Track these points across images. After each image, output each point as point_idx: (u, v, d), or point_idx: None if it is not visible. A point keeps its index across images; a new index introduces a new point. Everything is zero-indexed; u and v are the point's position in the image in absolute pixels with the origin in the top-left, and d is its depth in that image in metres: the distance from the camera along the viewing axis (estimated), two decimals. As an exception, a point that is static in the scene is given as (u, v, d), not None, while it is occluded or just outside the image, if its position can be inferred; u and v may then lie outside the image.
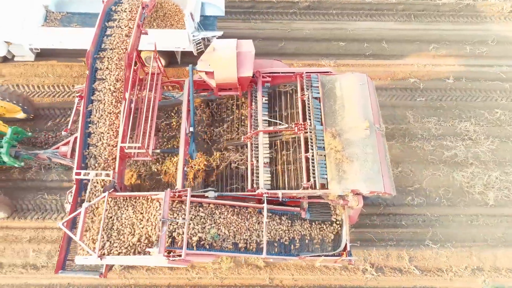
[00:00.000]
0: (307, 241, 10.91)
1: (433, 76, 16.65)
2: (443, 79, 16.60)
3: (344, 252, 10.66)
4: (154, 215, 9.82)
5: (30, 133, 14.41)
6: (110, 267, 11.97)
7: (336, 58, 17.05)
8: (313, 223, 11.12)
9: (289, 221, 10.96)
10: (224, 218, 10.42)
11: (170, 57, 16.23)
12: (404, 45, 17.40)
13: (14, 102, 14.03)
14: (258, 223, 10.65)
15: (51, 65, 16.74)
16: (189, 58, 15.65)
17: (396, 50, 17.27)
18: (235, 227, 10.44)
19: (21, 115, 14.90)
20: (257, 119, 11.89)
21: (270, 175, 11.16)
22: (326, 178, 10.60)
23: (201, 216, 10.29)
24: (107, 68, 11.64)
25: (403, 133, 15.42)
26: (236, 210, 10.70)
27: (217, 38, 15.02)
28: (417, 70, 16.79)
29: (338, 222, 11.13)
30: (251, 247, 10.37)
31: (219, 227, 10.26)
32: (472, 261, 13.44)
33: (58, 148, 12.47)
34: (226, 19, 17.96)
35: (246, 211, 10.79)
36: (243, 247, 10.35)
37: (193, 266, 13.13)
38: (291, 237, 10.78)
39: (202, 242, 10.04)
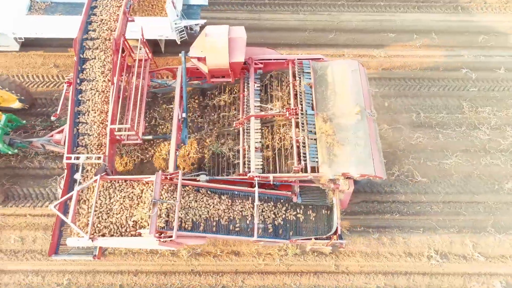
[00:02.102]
0: (299, 224, 11.08)
1: (484, 67, 16.73)
2: (494, 69, 16.68)
3: (335, 235, 10.79)
4: (146, 198, 10.02)
5: (24, 121, 14.43)
6: (104, 250, 12.45)
7: (387, 49, 17.16)
8: (305, 207, 11.29)
9: (281, 205, 11.12)
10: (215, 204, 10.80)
11: (153, 46, 16.09)
12: (454, 36, 17.48)
13: (12, 91, 14.04)
14: (250, 207, 10.87)
15: (36, 55, 16.79)
16: (173, 47, 15.73)
17: (446, 41, 17.35)
18: (227, 211, 10.76)
19: (16, 104, 14.82)
20: (249, 105, 12.05)
21: (261, 160, 11.31)
22: (317, 162, 10.76)
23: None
24: (95, 54, 11.81)
25: (459, 122, 15.52)
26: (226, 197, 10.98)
27: (200, 26, 15.26)
28: (468, 60, 16.86)
29: (330, 206, 11.29)
30: (243, 229, 10.67)
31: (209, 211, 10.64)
32: (535, 248, 13.55)
33: (52, 136, 12.60)
34: (275, 11, 18.14)
35: (238, 196, 11.03)
36: (234, 230, 10.63)
37: (259, 253, 13.24)
38: (283, 221, 10.94)
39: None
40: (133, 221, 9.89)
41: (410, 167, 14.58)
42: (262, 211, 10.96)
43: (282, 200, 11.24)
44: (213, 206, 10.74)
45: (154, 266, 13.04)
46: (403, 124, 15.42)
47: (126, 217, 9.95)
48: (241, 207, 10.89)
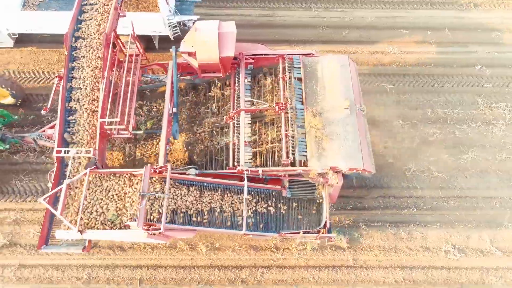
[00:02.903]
0: (288, 218, 11.12)
1: (498, 63, 16.79)
2: (508, 66, 16.74)
3: (324, 229, 10.83)
4: (135, 191, 10.10)
5: (16, 117, 14.47)
6: (95, 243, 12.61)
7: (400, 46, 17.21)
8: (295, 201, 11.33)
9: (251, 197, 11.09)
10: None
11: (147, 42, 16.15)
12: (467, 33, 17.55)
13: (3, 86, 14.07)
14: (239, 202, 10.89)
15: (30, 52, 16.83)
16: (167, 44, 15.60)
17: (459, 38, 17.42)
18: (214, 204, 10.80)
19: (8, 100, 14.83)
20: (239, 100, 12.10)
21: (251, 154, 11.35)
22: (306, 155, 10.80)
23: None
24: (85, 49, 11.89)
25: (474, 118, 15.58)
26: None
27: (193, 22, 15.12)
28: (481, 57, 16.93)
29: (319, 200, 11.31)
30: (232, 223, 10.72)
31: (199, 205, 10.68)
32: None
33: (44, 131, 12.64)
34: (288, 8, 18.21)
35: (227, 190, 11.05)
36: (224, 224, 10.69)
37: (277, 247, 13.30)
38: (253, 213, 10.93)
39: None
40: (122, 213, 10.04)
41: (426, 162, 14.64)
42: (232, 203, 10.89)
43: (252, 193, 11.14)
44: (181, 198, 10.69)
45: (173, 261, 13.10)
46: (418, 120, 15.49)
47: (116, 209, 10.08)
48: (210, 199, 10.85)
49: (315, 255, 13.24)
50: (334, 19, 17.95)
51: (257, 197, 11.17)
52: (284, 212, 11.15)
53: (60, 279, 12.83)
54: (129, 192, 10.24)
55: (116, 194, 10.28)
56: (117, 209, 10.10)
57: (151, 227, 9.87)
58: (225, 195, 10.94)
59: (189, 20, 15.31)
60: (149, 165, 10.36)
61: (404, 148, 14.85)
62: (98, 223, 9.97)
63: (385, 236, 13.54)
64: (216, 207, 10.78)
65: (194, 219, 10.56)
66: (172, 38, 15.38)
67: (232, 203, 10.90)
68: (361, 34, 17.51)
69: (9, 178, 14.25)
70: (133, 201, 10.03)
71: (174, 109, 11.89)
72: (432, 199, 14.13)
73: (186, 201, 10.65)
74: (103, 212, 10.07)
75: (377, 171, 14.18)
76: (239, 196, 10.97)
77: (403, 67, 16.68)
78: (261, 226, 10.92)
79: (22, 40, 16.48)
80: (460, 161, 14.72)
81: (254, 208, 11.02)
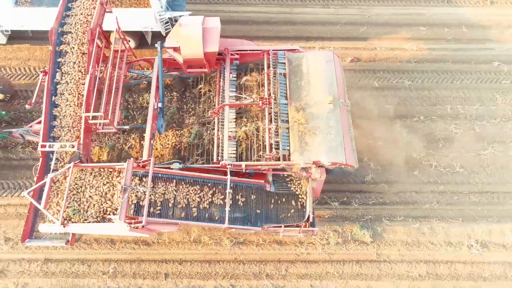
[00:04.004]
0: (272, 212, 11.18)
1: (517, 60, 16.92)
2: (527, 62, 16.87)
3: (307, 223, 10.91)
4: (117, 185, 10.27)
5: (3, 112, 14.52)
6: (79, 236, 12.75)
7: (418, 42, 17.30)
8: (279, 196, 11.41)
9: (207, 189, 11.04)
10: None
11: (140, 38, 16.15)
12: (484, 30, 17.63)
13: None
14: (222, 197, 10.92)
15: (24, 48, 16.84)
16: (160, 40, 15.66)
17: (477, 35, 17.50)
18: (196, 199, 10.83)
19: None
20: (224, 95, 12.19)
21: (235, 148, 11.44)
22: (289, 150, 10.90)
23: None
24: (71, 44, 11.98)
25: (493, 114, 15.67)
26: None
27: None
28: (499, 54, 17.00)
29: (302, 195, 11.37)
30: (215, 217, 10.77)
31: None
32: None
33: (31, 126, 12.75)
34: (305, 5, 18.28)
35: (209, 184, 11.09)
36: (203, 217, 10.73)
37: (301, 242, 13.39)
38: (208, 205, 10.90)
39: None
40: (106, 207, 10.17)
41: (447, 158, 14.73)
42: (187, 194, 10.84)
43: (209, 184, 11.08)
44: (163, 191, 10.73)
45: (198, 255, 13.19)
46: (438, 115, 15.58)
47: (100, 203, 10.22)
48: (189, 192, 10.88)
49: (338, 250, 13.33)
50: (351, 16, 18.02)
51: (214, 189, 11.09)
52: (222, 203, 10.98)
53: (86, 273, 12.91)
54: (112, 186, 10.38)
55: (100, 188, 10.40)
56: (100, 203, 10.23)
57: (133, 221, 9.98)
58: (204, 189, 10.94)
59: (180, 16, 15.19)
60: (132, 159, 10.51)
61: (424, 144, 14.92)
62: (82, 217, 10.12)
63: (408, 231, 13.63)
64: (199, 201, 10.81)
65: (176, 212, 10.64)
66: (164, 34, 15.35)
67: (212, 197, 10.93)
68: (379, 31, 17.59)
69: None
70: (115, 195, 10.19)
71: (160, 104, 11.97)
72: (453, 194, 14.22)
73: (169, 194, 10.71)
74: (87, 206, 10.21)
75: (399, 166, 14.51)
76: (220, 189, 11.00)
77: (421, 64, 16.76)
78: (243, 219, 10.94)
79: (14, 37, 16.41)
80: (480, 156, 14.82)
81: (209, 200, 10.93)
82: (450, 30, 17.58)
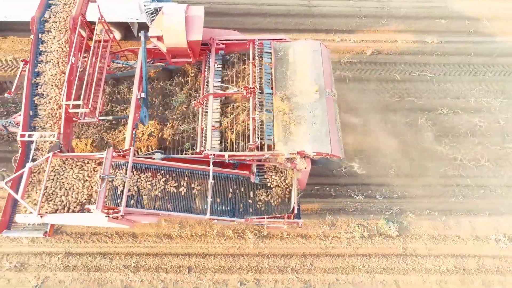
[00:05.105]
0: (256, 204, 11.08)
1: (540, 53, 16.72)
2: (549, 55, 16.67)
3: (292, 215, 10.76)
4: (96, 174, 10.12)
5: None
6: (58, 227, 12.69)
7: (439, 35, 17.09)
8: (263, 187, 11.29)
9: (160, 176, 10.82)
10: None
11: (125, 30, 15.82)
12: (506, 22, 17.43)
13: None
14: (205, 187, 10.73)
15: (8, 40, 16.60)
16: (146, 31, 15.60)
17: (498, 28, 17.30)
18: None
19: None
20: (209, 85, 11.99)
21: (218, 139, 11.24)
22: (272, 140, 10.70)
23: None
24: (52, 33, 11.73)
25: (518, 107, 15.52)
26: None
27: None
28: (521, 46, 16.87)
29: (287, 186, 11.26)
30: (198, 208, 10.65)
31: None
32: None
33: (15, 118, 12.47)
34: (324, -3, 18.08)
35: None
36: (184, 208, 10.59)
37: (325, 235, 13.17)
38: (160, 193, 10.67)
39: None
40: (85, 197, 10.00)
41: (472, 151, 14.52)
42: (137, 181, 10.58)
43: (162, 171, 10.83)
44: (143, 181, 10.55)
45: (221, 249, 12.97)
46: (461, 108, 15.37)
47: (78, 194, 10.05)
48: (169, 182, 10.74)
49: (364, 243, 13.12)
50: (371, 8, 17.81)
51: (167, 176, 10.84)
52: (175, 190, 10.77)
53: (108, 267, 12.68)
54: (92, 175, 10.25)
55: (79, 178, 10.24)
56: (78, 193, 10.09)
57: (112, 211, 9.81)
58: (183, 179, 10.80)
59: None
60: (111, 148, 10.31)
61: (449, 137, 14.72)
62: (61, 207, 9.93)
63: (434, 225, 13.41)
64: (179, 191, 10.67)
65: (158, 203, 10.47)
66: (149, 25, 14.75)
67: (193, 187, 10.79)
68: (399, 24, 17.39)
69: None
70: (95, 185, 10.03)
71: (143, 94, 11.74)
72: (479, 188, 14.01)
73: (148, 184, 10.55)
74: (65, 196, 10.05)
75: (423, 159, 14.29)
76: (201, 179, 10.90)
77: (443, 57, 16.55)
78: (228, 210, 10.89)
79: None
80: (506, 149, 14.61)
81: (162, 188, 10.71)
82: (471, 23, 17.38)
